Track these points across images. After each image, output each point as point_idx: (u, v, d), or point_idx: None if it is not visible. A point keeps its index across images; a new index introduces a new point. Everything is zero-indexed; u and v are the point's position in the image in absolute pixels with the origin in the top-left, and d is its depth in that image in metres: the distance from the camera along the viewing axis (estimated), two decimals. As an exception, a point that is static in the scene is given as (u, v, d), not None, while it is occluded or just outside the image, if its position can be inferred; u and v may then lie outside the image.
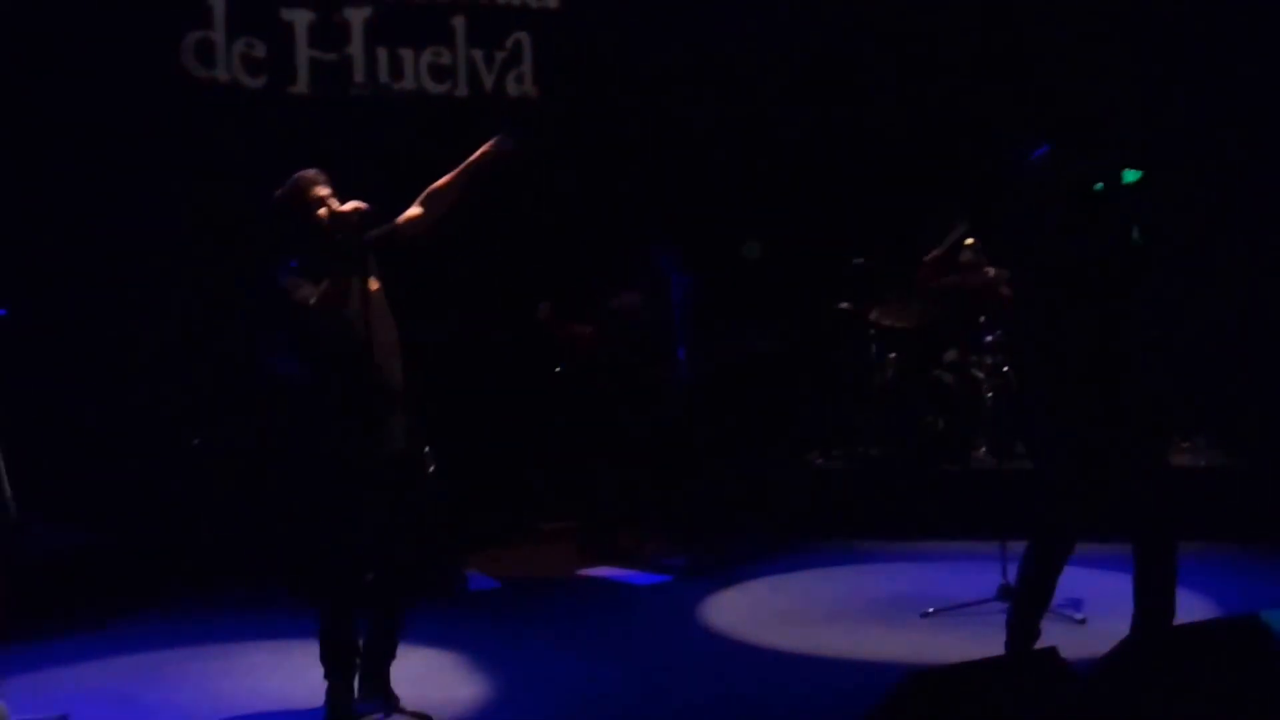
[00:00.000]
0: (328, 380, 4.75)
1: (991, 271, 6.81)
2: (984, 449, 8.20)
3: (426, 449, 4.81)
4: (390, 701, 4.84)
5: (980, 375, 8.20)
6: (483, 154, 4.84)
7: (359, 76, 8.45)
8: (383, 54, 8.50)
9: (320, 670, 4.81)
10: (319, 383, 4.80)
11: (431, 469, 4.83)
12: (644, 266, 7.83)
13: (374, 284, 4.77)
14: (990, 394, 8.04)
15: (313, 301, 4.60)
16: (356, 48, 8.44)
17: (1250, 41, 8.30)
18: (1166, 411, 5.14)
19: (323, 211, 4.70)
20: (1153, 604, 4.84)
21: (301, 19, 8.27)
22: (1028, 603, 5.00)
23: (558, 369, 8.05)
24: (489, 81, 8.80)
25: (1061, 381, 4.86)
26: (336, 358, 4.71)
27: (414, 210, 4.86)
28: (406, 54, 8.57)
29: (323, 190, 4.75)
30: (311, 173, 4.81)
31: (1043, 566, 4.96)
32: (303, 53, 8.27)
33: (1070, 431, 4.85)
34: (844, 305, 8.50)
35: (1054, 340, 4.89)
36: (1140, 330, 4.97)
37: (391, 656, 4.90)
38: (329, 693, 4.79)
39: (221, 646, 5.98)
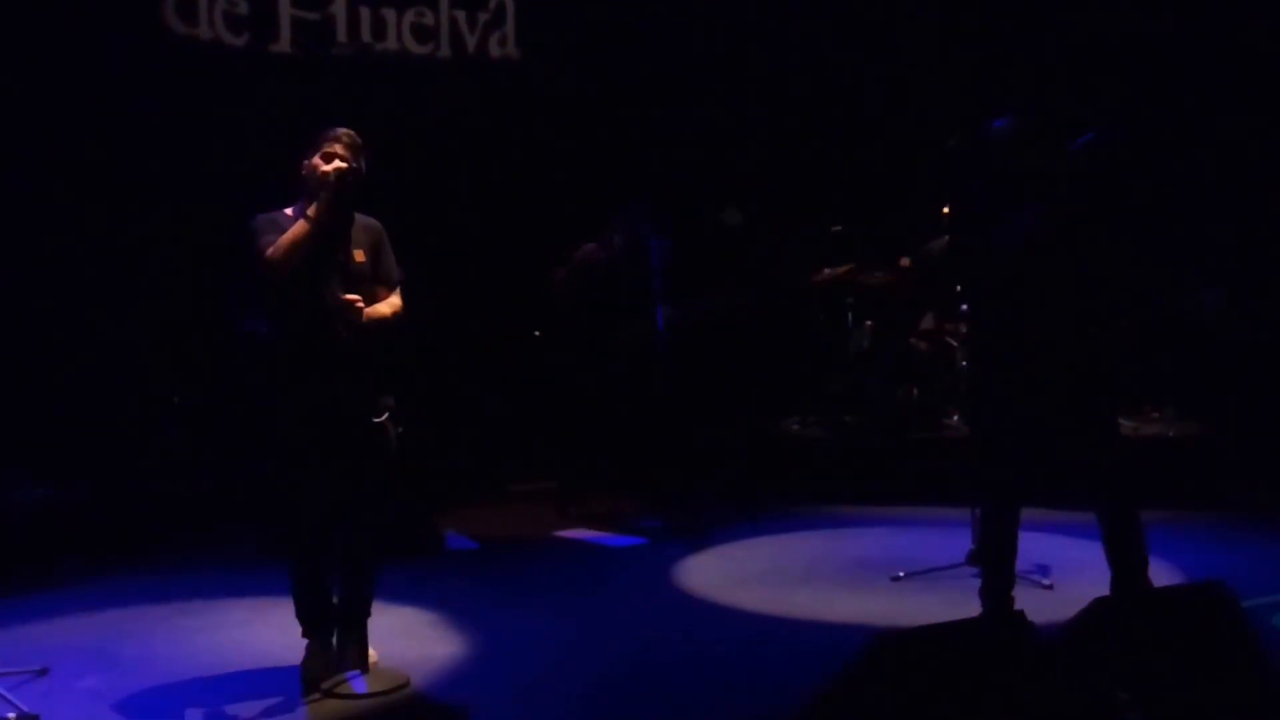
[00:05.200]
0: (287, 340, 4.74)
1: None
2: (956, 416, 8.29)
3: (387, 414, 4.78)
4: (367, 658, 4.89)
5: (954, 343, 8.28)
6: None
7: (341, 36, 8.42)
8: (365, 14, 8.48)
9: (297, 627, 4.86)
10: (279, 341, 4.78)
11: (399, 430, 4.82)
12: (618, 222, 7.80)
13: (360, 255, 4.74)
14: (964, 362, 8.11)
15: (269, 252, 4.57)
16: (339, 7, 8.41)
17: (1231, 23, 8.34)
18: (1117, 383, 5.24)
19: (305, 167, 4.68)
20: (1125, 566, 4.97)
21: (285, -24, 8.24)
22: (992, 566, 5.11)
23: (536, 333, 8.07)
24: (471, 43, 8.79)
25: (1010, 354, 4.97)
26: (299, 319, 4.70)
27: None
28: (389, 14, 8.55)
29: (325, 147, 4.66)
30: (334, 129, 4.72)
31: (995, 528, 5.09)
32: (285, 11, 8.24)
33: (1012, 404, 4.97)
34: (827, 271, 8.52)
35: (1004, 312, 5.00)
36: (1095, 302, 5.05)
37: (366, 614, 4.93)
38: (307, 649, 4.84)
39: (201, 603, 6.00)
